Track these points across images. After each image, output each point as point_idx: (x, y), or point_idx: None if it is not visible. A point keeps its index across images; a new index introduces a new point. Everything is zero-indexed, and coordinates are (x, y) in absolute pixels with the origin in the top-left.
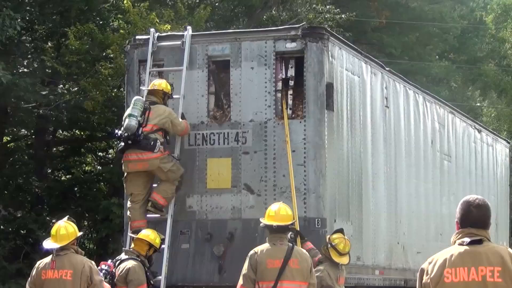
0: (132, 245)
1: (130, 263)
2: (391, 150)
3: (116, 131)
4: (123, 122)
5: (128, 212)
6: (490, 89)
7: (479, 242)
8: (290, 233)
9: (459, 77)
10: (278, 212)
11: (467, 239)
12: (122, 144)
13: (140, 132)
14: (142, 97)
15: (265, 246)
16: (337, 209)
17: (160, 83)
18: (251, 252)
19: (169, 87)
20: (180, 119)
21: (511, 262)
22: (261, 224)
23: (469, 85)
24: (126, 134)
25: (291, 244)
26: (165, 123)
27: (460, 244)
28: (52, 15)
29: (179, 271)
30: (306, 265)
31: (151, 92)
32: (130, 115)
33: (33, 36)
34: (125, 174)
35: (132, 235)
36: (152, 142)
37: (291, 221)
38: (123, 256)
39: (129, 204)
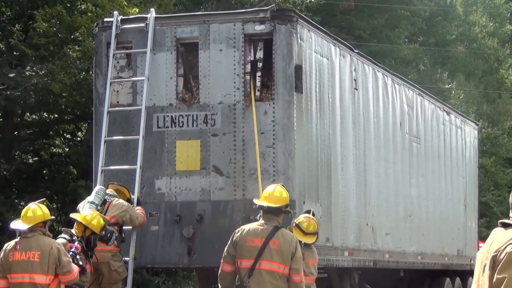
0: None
1: (59, 240)
2: (360, 132)
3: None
4: (80, 208)
5: None
6: (458, 72)
7: (507, 225)
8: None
9: (428, 60)
10: (272, 193)
11: (504, 221)
12: None
13: None
14: (106, 187)
15: (252, 224)
16: (306, 191)
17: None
18: (237, 229)
19: (127, 194)
20: (136, 206)
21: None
22: (254, 204)
23: (438, 68)
24: None
25: (278, 225)
26: (123, 216)
27: None
28: None
29: (148, 253)
30: (288, 248)
31: (117, 190)
32: (91, 202)
33: (0, 19)
34: None
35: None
36: (109, 234)
37: (284, 203)
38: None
39: None
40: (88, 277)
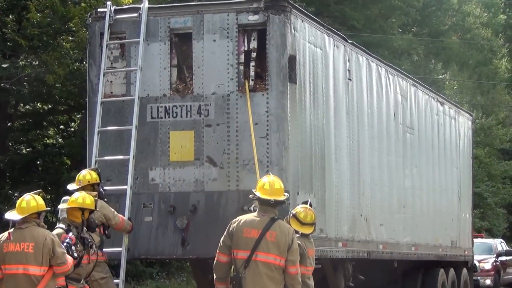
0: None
1: (56, 231)
2: (354, 123)
3: None
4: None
5: None
6: (452, 62)
7: None
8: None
9: (422, 50)
10: (273, 186)
11: None
12: None
13: None
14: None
15: (249, 215)
16: (300, 182)
17: (84, 175)
18: (233, 219)
19: (94, 175)
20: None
21: None
22: (251, 195)
23: (432, 58)
24: None
25: (275, 217)
26: (98, 217)
27: None
28: None
29: (142, 244)
30: (285, 240)
31: (79, 189)
32: (58, 220)
33: None
34: None
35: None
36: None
37: (285, 194)
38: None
39: None
40: (85, 269)
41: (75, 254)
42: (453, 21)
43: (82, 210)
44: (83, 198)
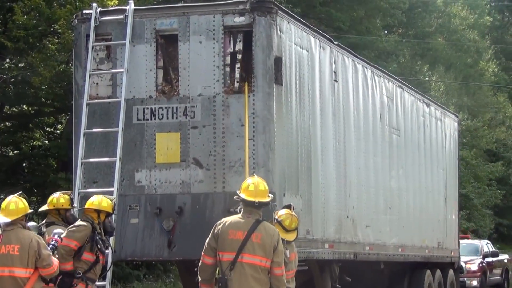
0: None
1: (79, 222)
2: (340, 124)
3: None
4: None
5: None
6: (438, 64)
7: None
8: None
9: (408, 52)
10: (257, 187)
11: None
12: None
13: None
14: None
15: (234, 217)
16: (286, 183)
17: (51, 199)
18: (218, 221)
19: (61, 200)
20: None
21: None
22: (235, 197)
23: (418, 60)
24: None
25: (260, 219)
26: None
27: None
28: None
29: (128, 246)
30: (270, 241)
31: (48, 212)
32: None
33: None
34: None
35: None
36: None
37: (269, 196)
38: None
39: None
40: (99, 270)
41: (104, 249)
42: (439, 22)
43: (98, 212)
44: (99, 201)
